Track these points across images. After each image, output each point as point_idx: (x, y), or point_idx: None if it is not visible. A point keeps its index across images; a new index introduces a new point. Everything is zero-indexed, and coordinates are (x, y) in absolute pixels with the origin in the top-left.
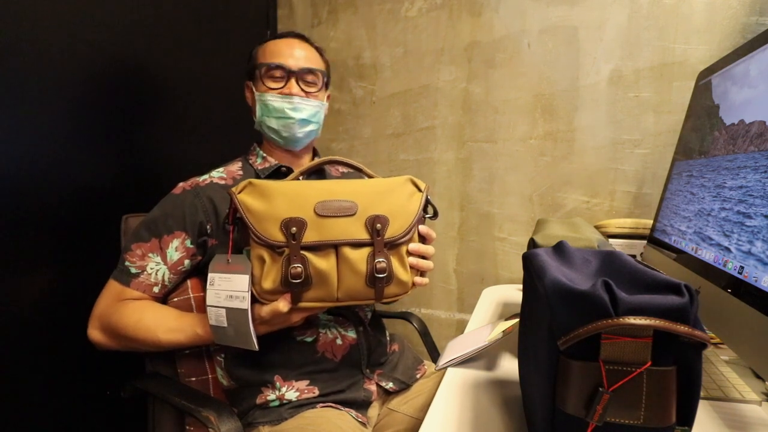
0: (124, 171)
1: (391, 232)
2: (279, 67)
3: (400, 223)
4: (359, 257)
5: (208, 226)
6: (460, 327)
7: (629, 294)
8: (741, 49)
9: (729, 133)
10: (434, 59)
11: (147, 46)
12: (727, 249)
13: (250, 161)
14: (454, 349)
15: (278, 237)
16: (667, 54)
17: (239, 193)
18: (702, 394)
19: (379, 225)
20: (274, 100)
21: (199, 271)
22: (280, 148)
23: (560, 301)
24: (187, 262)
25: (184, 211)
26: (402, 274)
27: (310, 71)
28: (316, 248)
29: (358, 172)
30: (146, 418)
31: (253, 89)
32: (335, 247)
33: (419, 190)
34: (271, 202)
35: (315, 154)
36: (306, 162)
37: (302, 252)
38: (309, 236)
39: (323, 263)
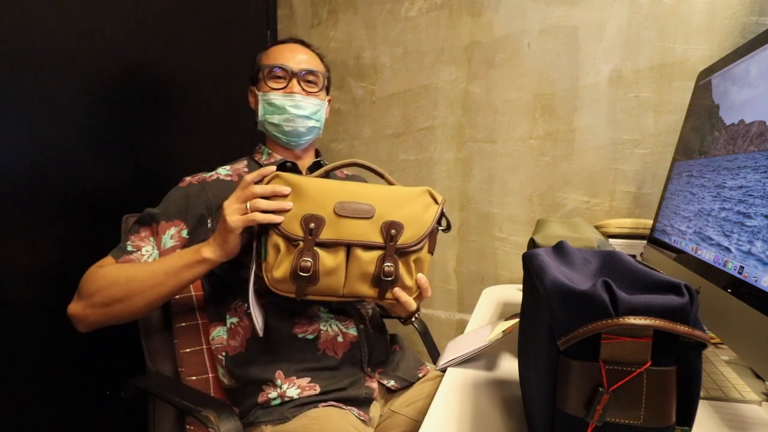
0: (125, 171)
1: (403, 239)
2: (281, 68)
3: (413, 231)
4: (369, 259)
5: (209, 221)
6: (460, 327)
7: (629, 294)
8: (741, 49)
9: (729, 133)
10: (434, 59)
11: (147, 47)
12: (727, 249)
13: (256, 158)
14: (454, 349)
15: (297, 231)
16: (667, 54)
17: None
18: (702, 394)
19: (393, 231)
20: (276, 99)
21: None
22: (283, 147)
23: (560, 301)
24: (179, 251)
25: (187, 202)
26: (407, 280)
27: (311, 72)
28: (329, 245)
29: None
30: (146, 418)
31: (257, 92)
32: (347, 246)
33: (436, 202)
34: (295, 196)
35: (318, 155)
36: (308, 162)
37: (315, 248)
38: (325, 234)
39: (332, 261)
